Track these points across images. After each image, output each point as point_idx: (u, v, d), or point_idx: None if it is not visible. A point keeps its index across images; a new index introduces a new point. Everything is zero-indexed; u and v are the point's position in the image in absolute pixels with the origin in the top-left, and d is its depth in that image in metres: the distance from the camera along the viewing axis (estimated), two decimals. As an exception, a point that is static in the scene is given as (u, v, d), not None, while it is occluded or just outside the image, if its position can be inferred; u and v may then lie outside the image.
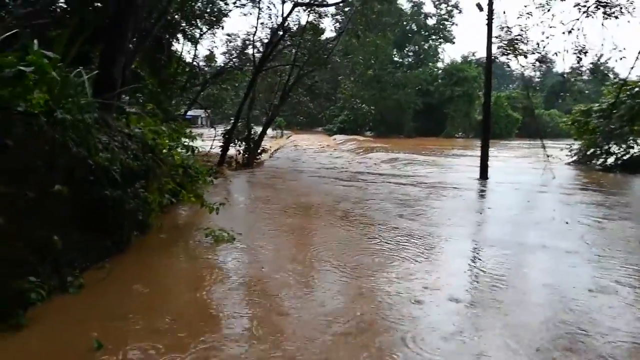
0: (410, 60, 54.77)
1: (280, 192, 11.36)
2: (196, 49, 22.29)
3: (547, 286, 4.85)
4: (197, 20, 20.34)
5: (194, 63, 22.65)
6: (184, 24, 19.60)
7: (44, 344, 3.34)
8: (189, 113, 22.09)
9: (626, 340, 3.62)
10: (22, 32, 4.85)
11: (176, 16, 17.62)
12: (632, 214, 9.01)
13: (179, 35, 20.13)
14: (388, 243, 6.38)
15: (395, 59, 51.79)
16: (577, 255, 5.93)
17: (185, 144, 7.82)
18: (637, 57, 16.27)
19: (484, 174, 14.18)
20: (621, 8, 16.32)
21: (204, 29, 21.55)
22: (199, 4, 19.54)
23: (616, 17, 16.40)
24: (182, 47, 21.03)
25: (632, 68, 16.76)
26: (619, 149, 18.05)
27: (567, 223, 7.82)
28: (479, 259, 5.89)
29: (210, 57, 24.16)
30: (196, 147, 8.13)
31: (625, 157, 17.78)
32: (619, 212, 9.11)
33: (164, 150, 6.62)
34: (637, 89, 17.38)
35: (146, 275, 4.93)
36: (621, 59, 16.05)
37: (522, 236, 7.23)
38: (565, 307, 4.24)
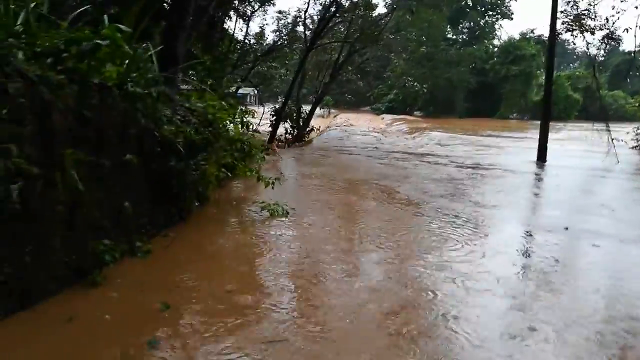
0: (464, 37, 52.76)
1: (328, 170, 11.42)
2: (248, 27, 22.46)
3: (602, 273, 4.68)
4: (250, -4, 20.45)
5: (246, 41, 22.91)
6: (236, 1, 19.79)
7: (117, 302, 3.58)
8: (239, 91, 22.47)
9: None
10: (90, 9, 5.07)
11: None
12: None
13: (231, 13, 20.38)
14: (435, 223, 6.33)
15: (449, 35, 49.99)
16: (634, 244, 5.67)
17: (241, 119, 7.99)
18: None
19: (542, 157, 13.60)
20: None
21: (256, 6, 21.65)
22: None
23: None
24: (234, 24, 21.26)
25: None
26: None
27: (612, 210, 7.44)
28: (532, 243, 5.72)
29: (260, 35, 24.29)
30: (251, 124, 8.28)
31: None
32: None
33: (222, 125, 6.79)
34: None
35: (207, 244, 5.15)
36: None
37: (580, 221, 6.92)
38: (621, 298, 4.07)
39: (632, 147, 17.89)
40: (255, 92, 35.32)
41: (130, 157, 4.14)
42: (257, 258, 4.82)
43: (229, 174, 7.33)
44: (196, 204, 5.88)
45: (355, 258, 4.91)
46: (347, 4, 18.90)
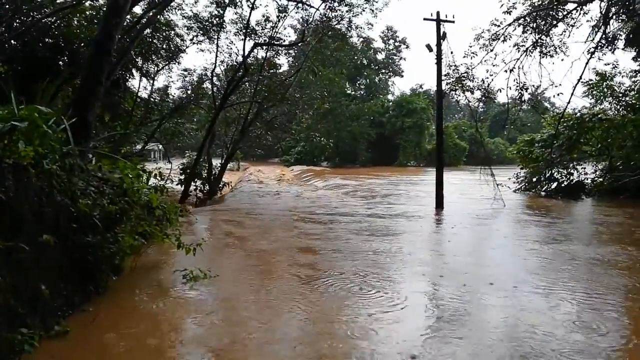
0: (362, 92, 56.74)
1: (243, 230, 11.47)
2: (152, 85, 22.31)
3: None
4: (154, 56, 20.46)
5: (151, 98, 22.62)
6: (139, 60, 19.66)
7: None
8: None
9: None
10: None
11: (132, 52, 17.66)
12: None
13: (134, 71, 20.16)
14: (343, 282, 6.36)
15: (348, 92, 53.46)
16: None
17: (154, 184, 7.85)
18: (572, 93, 17.90)
19: (439, 204, 14.90)
20: (555, 48, 18.05)
21: (160, 65, 21.66)
22: (155, 41, 19.70)
23: (551, 56, 18.09)
24: (138, 82, 21.02)
25: (568, 103, 18.30)
26: (560, 176, 19.41)
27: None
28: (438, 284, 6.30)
29: (165, 91, 24.17)
30: (166, 188, 8.17)
31: (565, 183, 19.14)
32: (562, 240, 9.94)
33: (137, 191, 6.64)
34: (572, 122, 18.95)
35: (127, 317, 4.95)
36: (558, 94, 17.67)
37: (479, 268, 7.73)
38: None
39: (514, 191, 20.16)
40: (161, 147, 34.42)
41: (47, 237, 3.98)
42: (176, 329, 4.70)
43: (144, 241, 7.11)
44: (114, 278, 5.65)
45: (267, 325, 4.81)
46: (252, 65, 19.70)
